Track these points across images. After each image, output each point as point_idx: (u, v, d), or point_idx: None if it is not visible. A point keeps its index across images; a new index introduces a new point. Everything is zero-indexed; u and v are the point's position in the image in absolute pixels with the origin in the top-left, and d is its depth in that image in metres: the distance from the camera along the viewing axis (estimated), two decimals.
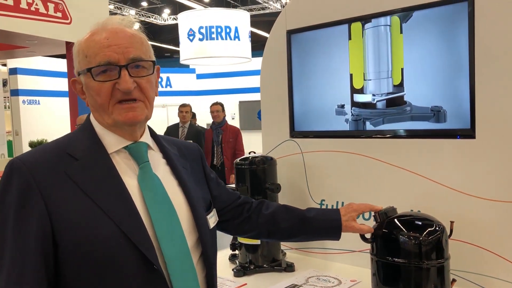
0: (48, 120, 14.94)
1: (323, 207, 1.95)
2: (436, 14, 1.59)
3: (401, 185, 1.71)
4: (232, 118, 18.42)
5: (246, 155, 1.90)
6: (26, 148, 13.91)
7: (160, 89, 17.98)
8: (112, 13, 16.16)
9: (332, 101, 1.89)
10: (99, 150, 1.04)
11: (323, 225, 1.36)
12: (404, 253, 1.34)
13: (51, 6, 7.83)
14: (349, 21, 1.80)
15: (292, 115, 2.02)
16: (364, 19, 1.76)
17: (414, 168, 1.68)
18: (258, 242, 1.83)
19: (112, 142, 1.06)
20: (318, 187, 1.97)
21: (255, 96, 18.25)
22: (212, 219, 1.17)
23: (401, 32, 1.68)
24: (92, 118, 1.09)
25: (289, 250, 2.05)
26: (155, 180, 1.06)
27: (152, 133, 1.17)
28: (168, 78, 18.21)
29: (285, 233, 1.38)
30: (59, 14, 7.97)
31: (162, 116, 17.80)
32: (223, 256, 2.00)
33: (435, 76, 1.61)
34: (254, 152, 1.94)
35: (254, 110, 18.09)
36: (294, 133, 2.03)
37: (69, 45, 8.29)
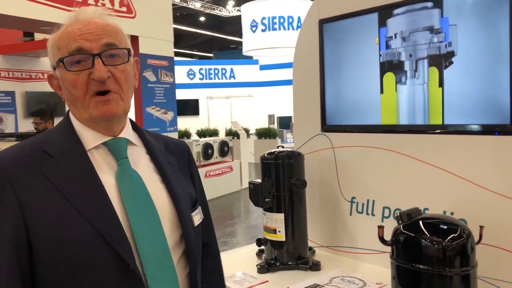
0: None
1: (354, 204, 1.87)
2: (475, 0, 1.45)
3: (434, 184, 1.59)
4: None
5: (274, 149, 1.86)
6: None
7: (223, 80, 18.45)
8: (176, 6, 16.58)
9: (365, 94, 1.79)
10: (76, 147, 1.00)
11: None
12: (425, 258, 1.24)
13: (116, 0, 8.15)
14: (381, 9, 1.69)
15: (324, 108, 1.95)
16: (398, 6, 1.65)
17: (448, 167, 1.55)
18: (283, 238, 1.78)
19: (89, 138, 1.02)
20: (349, 184, 1.88)
21: None
22: (197, 217, 1.12)
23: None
24: (70, 113, 1.06)
25: (319, 248, 1.99)
26: (134, 177, 1.02)
27: (135, 127, 1.13)
28: (231, 70, 18.45)
29: None
30: (124, 9, 8.30)
31: (226, 107, 18.09)
32: (250, 251, 1.98)
33: (472, 67, 1.47)
34: (283, 147, 1.89)
35: None
36: (326, 127, 1.96)
37: (134, 39, 8.63)
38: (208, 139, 9.22)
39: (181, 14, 19.50)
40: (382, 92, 1.73)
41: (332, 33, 1.89)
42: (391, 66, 1.69)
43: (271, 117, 16.42)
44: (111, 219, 0.95)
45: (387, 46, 1.69)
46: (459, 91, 1.51)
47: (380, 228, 1.34)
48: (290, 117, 16.23)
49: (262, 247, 1.89)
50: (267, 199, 1.77)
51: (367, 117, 1.80)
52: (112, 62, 0.99)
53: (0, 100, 10.39)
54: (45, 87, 11.25)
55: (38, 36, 10.09)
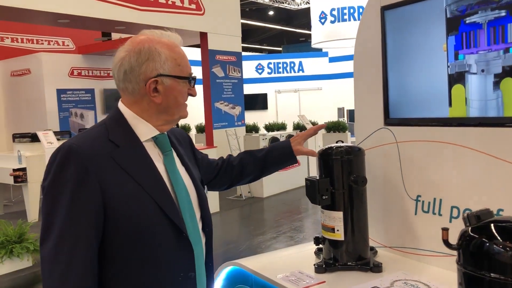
0: (190, 105, 16.11)
1: (419, 204, 1.74)
2: None
3: (511, 183, 1.44)
4: None
5: (333, 144, 1.78)
6: None
7: (292, 74, 18.40)
8: (244, 1, 16.69)
9: (432, 85, 1.66)
10: (134, 139, 1.25)
11: (278, 154, 1.69)
12: (496, 266, 1.12)
13: None
14: None
15: (387, 100, 1.83)
16: None
17: None
18: (341, 237, 1.71)
19: (144, 131, 1.28)
20: (414, 182, 1.76)
21: None
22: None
23: None
24: (123, 109, 1.29)
25: (381, 248, 1.89)
26: (176, 166, 1.32)
27: None
28: (300, 63, 18.28)
29: (254, 172, 1.69)
30: (193, 6, 8.48)
31: (294, 101, 17.98)
32: (309, 249, 1.92)
33: None
34: (342, 142, 1.80)
35: None
36: (389, 121, 1.84)
37: (203, 35, 8.80)
38: (274, 133, 9.22)
39: (250, 9, 19.61)
40: (450, 82, 1.59)
41: (394, 20, 1.77)
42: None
43: (340, 110, 16.08)
44: (168, 197, 1.24)
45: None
46: None
47: (444, 230, 1.23)
48: None
49: (321, 245, 1.82)
50: (324, 197, 1.70)
51: (434, 110, 1.66)
52: None
53: (81, 97, 11.07)
54: None
55: (114, 36, 10.62)
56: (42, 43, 11.39)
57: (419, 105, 1.72)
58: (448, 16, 1.58)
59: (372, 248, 1.82)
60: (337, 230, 1.71)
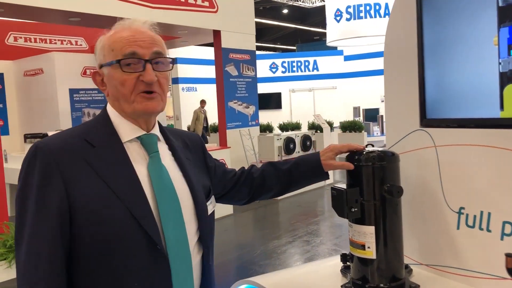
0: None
1: (462, 217, 1.52)
2: None
3: None
4: (382, 100, 17.48)
5: (363, 147, 1.56)
6: None
7: (306, 73, 18.22)
8: (258, 0, 16.49)
9: (479, 83, 1.44)
10: (114, 139, 1.15)
11: (306, 168, 1.50)
12: None
13: None
14: None
15: (423, 99, 1.61)
16: None
17: None
18: (373, 255, 1.49)
19: (126, 131, 1.17)
20: (457, 191, 1.54)
21: None
22: (210, 206, 1.29)
23: None
24: (109, 108, 1.20)
25: (418, 266, 1.67)
26: (163, 169, 1.18)
27: (160, 126, 1.27)
28: (315, 62, 18.02)
29: (277, 186, 1.51)
30: (206, 3, 8.30)
31: (309, 100, 17.72)
32: (334, 265, 1.71)
33: None
34: (372, 145, 1.59)
35: None
36: (426, 122, 1.62)
37: (216, 33, 8.63)
38: (289, 133, 8.99)
39: (264, 8, 19.42)
40: (502, 82, 1.37)
41: (434, 9, 1.55)
42: None
43: (356, 110, 15.79)
44: (143, 204, 1.10)
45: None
46: None
47: (509, 257, 1.01)
48: (377, 109, 15.51)
49: (348, 263, 1.61)
50: (353, 209, 1.48)
51: (480, 110, 1.44)
52: (158, 68, 1.15)
53: (94, 97, 10.99)
54: None
55: None
56: (55, 43, 11.34)
57: (462, 105, 1.50)
58: (500, 4, 1.35)
59: (406, 266, 1.60)
60: (368, 247, 1.50)
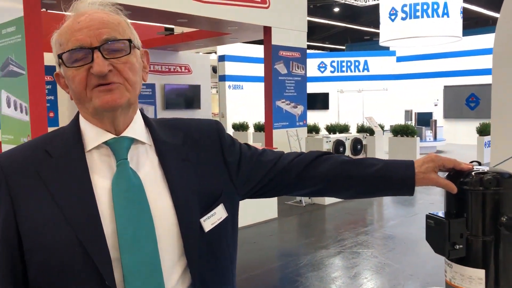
0: (249, 104, 15.84)
1: None
2: None
3: None
4: (435, 104, 16.70)
5: (470, 167, 1.22)
6: (230, 130, 15.04)
7: (356, 73, 17.73)
8: None
9: None
10: (76, 146, 0.97)
11: (393, 178, 1.16)
12: None
13: None
14: None
15: None
16: None
17: None
18: None
19: (91, 136, 0.99)
20: None
21: (463, 80, 16.22)
22: (213, 219, 1.00)
23: None
24: (80, 112, 1.03)
25: None
26: (132, 180, 0.95)
27: (148, 123, 1.05)
28: (365, 62, 17.43)
29: (347, 194, 1.22)
30: None
31: (358, 101, 17.16)
32: None
33: None
34: (479, 163, 1.25)
35: (461, 96, 16.15)
36: None
37: (266, 29, 8.36)
38: (339, 136, 8.61)
39: (314, 6, 19.02)
40: None
41: None
42: None
43: (408, 113, 15.12)
44: (94, 228, 0.90)
45: None
46: None
47: None
48: (430, 113, 14.82)
49: None
50: (458, 246, 1.16)
51: None
52: (114, 55, 0.95)
53: (142, 92, 11.02)
54: (182, 80, 11.68)
55: (177, 30, 10.44)
56: None
57: None
58: None
59: None
60: None
